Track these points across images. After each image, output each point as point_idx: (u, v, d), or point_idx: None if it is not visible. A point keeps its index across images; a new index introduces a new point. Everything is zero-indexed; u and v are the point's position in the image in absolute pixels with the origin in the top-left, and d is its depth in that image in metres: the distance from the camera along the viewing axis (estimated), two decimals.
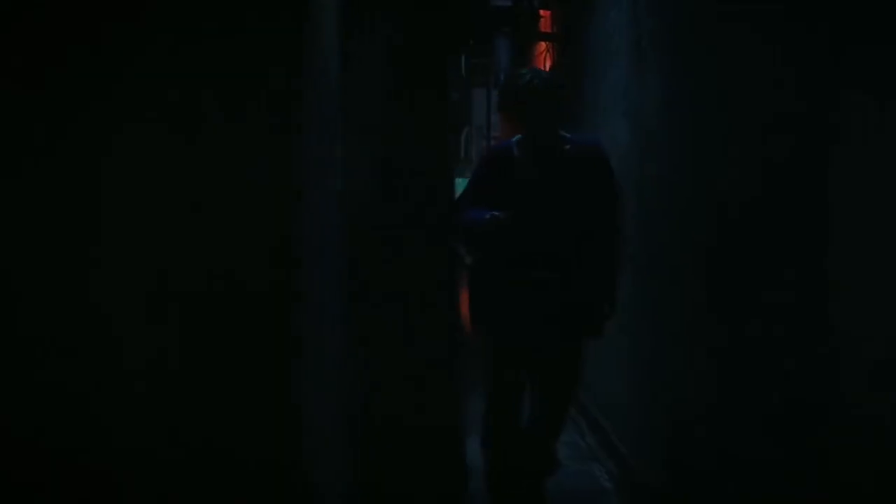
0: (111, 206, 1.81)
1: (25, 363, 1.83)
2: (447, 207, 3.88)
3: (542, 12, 10.28)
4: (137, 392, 1.82)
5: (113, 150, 1.82)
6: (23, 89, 1.82)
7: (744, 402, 3.39)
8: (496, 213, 4.40)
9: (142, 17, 1.81)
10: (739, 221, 3.45)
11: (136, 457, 1.82)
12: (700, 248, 3.94)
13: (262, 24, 1.81)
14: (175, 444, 1.82)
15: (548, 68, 9.67)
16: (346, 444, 2.65)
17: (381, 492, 3.49)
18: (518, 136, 4.63)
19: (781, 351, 3.04)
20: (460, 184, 4.97)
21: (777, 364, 3.07)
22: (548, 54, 9.98)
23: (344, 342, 2.58)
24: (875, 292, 2.53)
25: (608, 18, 6.09)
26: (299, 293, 1.85)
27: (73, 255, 1.82)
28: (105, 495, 1.84)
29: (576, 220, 4.49)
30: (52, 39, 1.82)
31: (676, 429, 4.34)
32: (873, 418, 2.45)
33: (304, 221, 1.89)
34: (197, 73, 1.82)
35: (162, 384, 1.82)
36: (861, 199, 2.66)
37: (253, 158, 1.81)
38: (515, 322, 4.50)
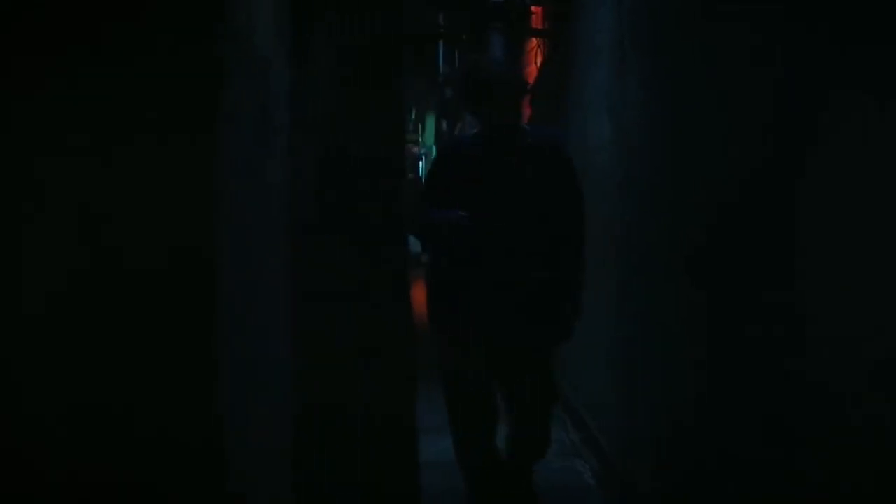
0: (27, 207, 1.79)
1: None
2: (406, 203, 3.84)
3: (533, 9, 10.28)
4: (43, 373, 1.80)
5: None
6: None
7: (738, 402, 3.39)
8: (463, 214, 4.22)
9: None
10: (733, 220, 3.44)
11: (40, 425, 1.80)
12: (693, 246, 3.92)
13: (170, 22, 1.77)
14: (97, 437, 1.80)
15: (538, 64, 9.69)
16: (295, 439, 2.63)
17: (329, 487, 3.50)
18: (475, 129, 4.45)
19: (779, 351, 3.03)
20: None
21: (776, 364, 3.06)
22: (538, 51, 9.99)
23: (292, 341, 2.56)
24: (876, 292, 2.54)
25: (594, 17, 6.11)
26: (214, 294, 1.82)
27: None
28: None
29: (538, 215, 4.31)
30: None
31: (663, 428, 4.35)
32: (873, 418, 2.46)
33: (223, 224, 1.86)
34: (100, 74, 1.78)
35: (62, 384, 1.81)
36: (847, 200, 2.68)
37: (160, 163, 1.78)
38: (479, 321, 4.30)
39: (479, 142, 4.38)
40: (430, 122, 26.52)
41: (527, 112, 10.06)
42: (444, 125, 24.18)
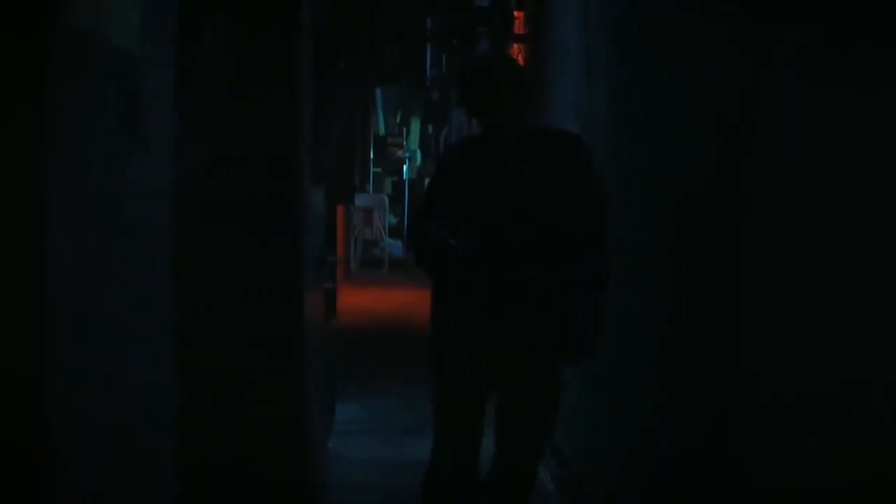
0: None
1: None
2: (294, 203, 3.76)
3: (516, 14, 10.29)
4: None
5: None
6: None
7: (697, 408, 3.37)
8: (450, 241, 3.88)
9: None
10: (695, 223, 3.43)
11: None
12: (655, 250, 3.90)
13: None
14: None
15: None
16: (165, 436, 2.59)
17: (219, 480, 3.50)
18: (481, 132, 4.12)
19: (739, 356, 3.01)
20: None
21: (736, 369, 3.04)
22: (520, 55, 10.01)
23: (165, 334, 2.52)
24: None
25: (564, 22, 6.13)
26: (42, 295, 1.79)
27: None
28: None
29: (549, 222, 3.93)
30: None
31: (623, 434, 4.34)
32: (874, 418, 2.46)
33: (56, 221, 1.81)
34: None
35: None
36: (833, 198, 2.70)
37: None
38: (482, 324, 3.94)
39: (485, 146, 4.07)
40: (416, 126, 26.51)
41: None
42: (430, 129, 24.20)
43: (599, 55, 4.95)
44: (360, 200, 20.73)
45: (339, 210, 15.17)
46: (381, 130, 25.80)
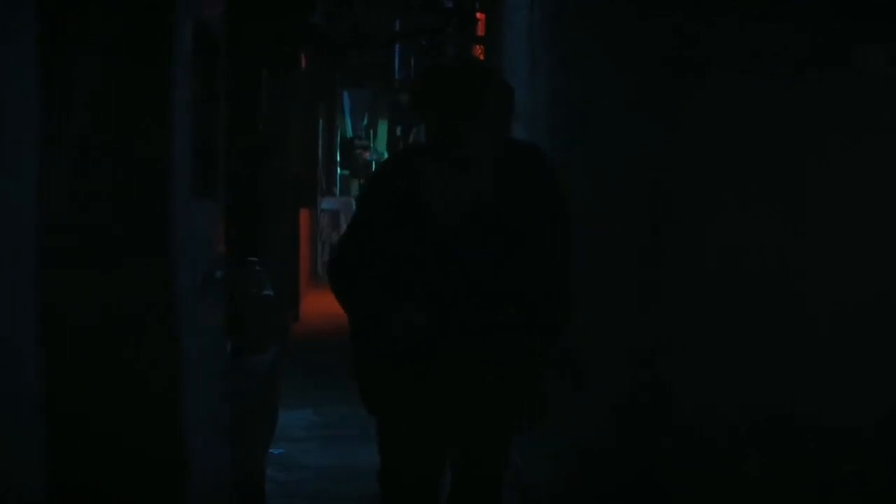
0: None
1: None
2: (162, 222, 3.68)
3: (478, 15, 10.31)
4: None
5: None
6: None
7: (637, 418, 3.34)
8: (408, 318, 3.34)
9: None
10: (626, 225, 3.42)
11: None
12: (597, 253, 3.86)
13: None
14: None
15: None
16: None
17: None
18: (425, 144, 3.50)
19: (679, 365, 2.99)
20: None
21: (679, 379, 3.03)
22: (481, 57, 10.05)
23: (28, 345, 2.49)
24: None
25: (515, 22, 6.16)
26: None
27: None
28: None
29: (510, 261, 3.37)
30: None
31: (565, 441, 4.32)
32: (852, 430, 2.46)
33: None
34: None
35: None
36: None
37: None
38: (422, 411, 3.46)
39: (429, 160, 3.44)
40: (383, 128, 26.52)
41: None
42: (399, 131, 24.22)
43: (541, 56, 4.94)
44: (327, 203, 20.70)
45: (304, 213, 15.15)
46: (349, 133, 25.79)
